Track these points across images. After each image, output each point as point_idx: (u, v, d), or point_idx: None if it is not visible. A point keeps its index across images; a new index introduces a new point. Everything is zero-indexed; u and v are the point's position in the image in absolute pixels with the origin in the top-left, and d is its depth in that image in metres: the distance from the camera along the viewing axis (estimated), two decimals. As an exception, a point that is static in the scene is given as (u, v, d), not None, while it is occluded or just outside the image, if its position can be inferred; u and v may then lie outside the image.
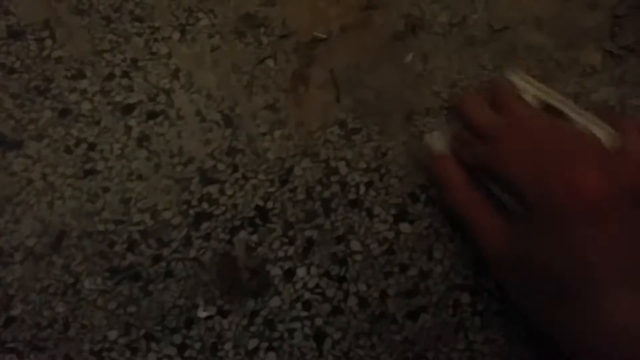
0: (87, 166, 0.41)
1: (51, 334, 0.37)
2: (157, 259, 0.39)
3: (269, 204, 0.40)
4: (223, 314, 0.37)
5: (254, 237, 0.39)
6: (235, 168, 0.41)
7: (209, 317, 0.37)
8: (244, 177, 0.40)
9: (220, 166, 0.41)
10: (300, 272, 0.38)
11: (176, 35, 0.42)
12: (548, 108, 0.37)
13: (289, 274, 0.38)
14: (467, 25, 0.44)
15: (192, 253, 0.39)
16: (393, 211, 0.39)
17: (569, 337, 0.30)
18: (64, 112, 0.42)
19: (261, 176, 0.40)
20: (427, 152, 0.39)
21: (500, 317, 0.37)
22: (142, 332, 0.37)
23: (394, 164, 0.40)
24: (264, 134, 0.41)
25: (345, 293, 0.38)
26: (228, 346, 0.37)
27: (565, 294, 0.30)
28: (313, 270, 0.38)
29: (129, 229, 0.40)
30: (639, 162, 0.32)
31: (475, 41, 0.44)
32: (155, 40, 0.43)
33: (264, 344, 0.37)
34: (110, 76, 0.42)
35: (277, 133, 0.41)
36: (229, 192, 0.40)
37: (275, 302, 0.38)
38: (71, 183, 0.41)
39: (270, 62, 0.42)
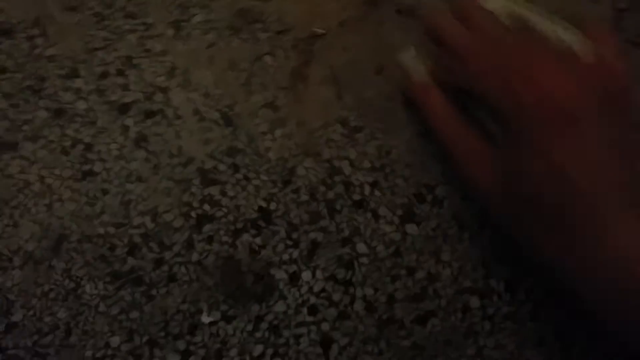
0: (85, 168, 0.40)
1: (53, 340, 0.37)
2: (159, 262, 0.38)
3: (272, 205, 0.39)
4: (227, 319, 0.37)
5: (258, 240, 0.38)
6: (236, 168, 0.39)
7: (213, 323, 0.37)
8: (246, 177, 0.39)
9: (221, 167, 0.40)
10: (306, 275, 0.38)
11: (170, 32, 0.41)
12: (518, 19, 0.36)
13: (294, 278, 0.38)
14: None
15: (195, 257, 0.38)
16: (399, 212, 0.38)
17: (567, 264, 0.30)
18: (59, 112, 0.41)
19: (263, 177, 0.39)
20: (405, 75, 0.38)
21: (511, 321, 0.36)
22: (145, 338, 0.37)
23: (398, 162, 0.39)
24: (265, 133, 0.40)
25: (351, 297, 0.37)
26: (233, 352, 0.36)
27: (554, 215, 0.29)
28: (318, 273, 0.38)
29: (130, 232, 0.39)
30: (610, 66, 0.31)
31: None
32: (150, 37, 0.41)
33: (270, 350, 0.36)
34: (105, 74, 0.41)
35: (277, 132, 0.40)
36: (231, 193, 0.39)
37: (280, 306, 0.37)
38: (69, 185, 0.40)
39: (268, 59, 0.40)
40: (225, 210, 0.39)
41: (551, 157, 0.29)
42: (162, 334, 0.37)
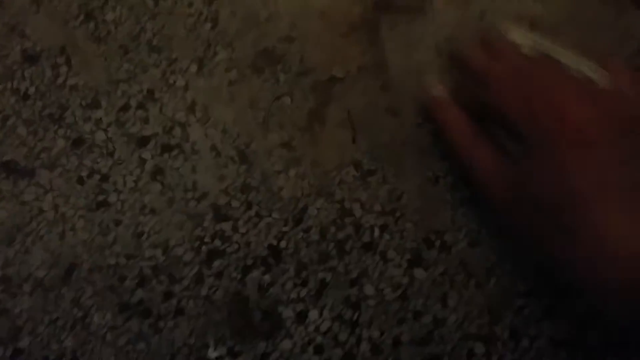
0: (100, 198, 0.41)
1: (59, 368, 0.37)
2: (168, 295, 0.39)
3: (282, 244, 0.40)
4: (233, 355, 0.37)
5: (267, 277, 0.39)
6: (249, 205, 0.40)
7: (219, 358, 0.37)
8: (258, 215, 0.40)
9: (234, 203, 0.40)
10: (313, 314, 0.38)
11: (193, 68, 0.42)
12: (539, 51, 0.38)
13: (301, 317, 0.38)
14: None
15: (204, 291, 0.39)
16: (407, 256, 0.39)
17: (570, 263, 0.31)
18: (78, 142, 0.42)
19: (275, 215, 0.40)
20: (428, 96, 0.40)
21: (514, 370, 0.37)
22: (151, 371, 0.37)
23: (409, 207, 0.40)
24: (279, 172, 0.41)
25: (357, 338, 0.37)
26: (238, 389, 0.36)
27: (560, 221, 0.31)
28: (325, 313, 0.38)
29: (141, 264, 0.39)
30: (626, 94, 0.34)
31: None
32: (172, 72, 0.42)
33: (275, 389, 0.36)
34: (126, 107, 0.42)
35: (292, 171, 0.41)
36: (242, 229, 0.40)
37: (286, 344, 0.37)
38: (83, 214, 0.40)
39: (286, 100, 0.42)
40: (236, 246, 0.40)
41: (561, 172, 0.31)
42: (168, 367, 0.37)
